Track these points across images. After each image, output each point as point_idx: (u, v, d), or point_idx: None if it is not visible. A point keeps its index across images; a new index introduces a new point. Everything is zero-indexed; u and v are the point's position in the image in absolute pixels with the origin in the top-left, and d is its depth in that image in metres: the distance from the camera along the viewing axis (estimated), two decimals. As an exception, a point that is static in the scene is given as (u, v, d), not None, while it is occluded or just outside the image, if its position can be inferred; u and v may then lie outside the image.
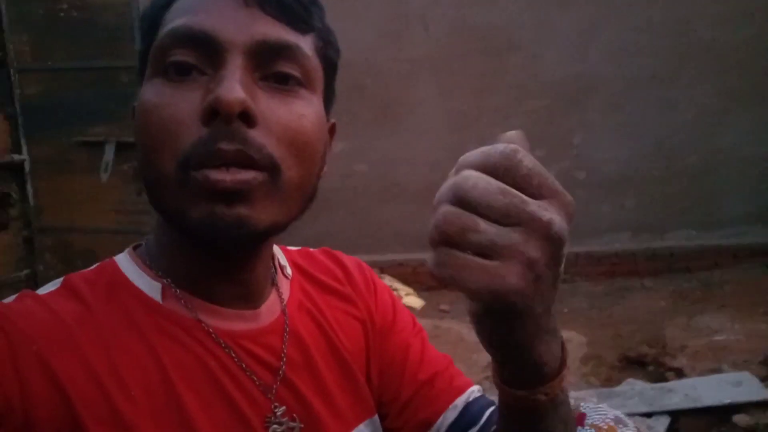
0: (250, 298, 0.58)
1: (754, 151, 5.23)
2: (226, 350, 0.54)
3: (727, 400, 2.68)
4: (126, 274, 0.55)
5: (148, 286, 0.54)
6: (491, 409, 0.67)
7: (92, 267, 0.57)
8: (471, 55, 4.86)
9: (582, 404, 1.67)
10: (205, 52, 0.49)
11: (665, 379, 3.20)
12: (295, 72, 0.52)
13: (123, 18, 3.78)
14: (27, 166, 4.01)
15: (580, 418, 1.60)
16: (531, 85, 4.95)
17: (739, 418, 2.60)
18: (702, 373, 3.12)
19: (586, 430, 1.57)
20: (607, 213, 5.23)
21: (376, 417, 0.65)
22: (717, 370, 3.10)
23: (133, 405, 0.47)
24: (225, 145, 0.47)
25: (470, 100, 4.93)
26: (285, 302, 0.62)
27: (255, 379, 0.55)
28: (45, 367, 0.46)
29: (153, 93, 0.50)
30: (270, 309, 0.60)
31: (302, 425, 0.56)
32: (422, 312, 4.40)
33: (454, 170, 0.42)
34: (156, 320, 0.53)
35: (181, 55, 0.49)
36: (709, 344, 3.60)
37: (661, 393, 2.83)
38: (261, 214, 0.49)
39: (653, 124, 5.13)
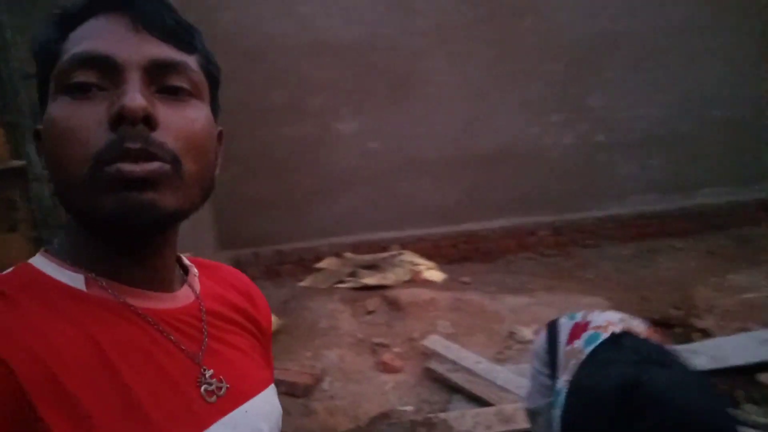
0: (164, 282, 0.65)
1: (788, 99, 5.00)
2: (154, 325, 0.60)
3: (753, 359, 2.62)
4: (44, 271, 0.60)
5: (70, 278, 0.59)
6: None
7: (6, 271, 0.61)
8: (481, 22, 4.76)
9: (589, 313, 1.70)
10: (106, 71, 0.57)
11: (692, 341, 3.13)
12: (185, 84, 0.60)
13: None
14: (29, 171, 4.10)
15: (585, 326, 1.63)
16: (545, 48, 4.82)
17: (765, 377, 2.53)
18: (730, 333, 3.05)
19: (589, 332, 1.60)
20: (631, 174, 5.09)
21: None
22: (745, 329, 3.02)
23: (74, 379, 0.51)
24: (131, 144, 0.54)
25: (483, 68, 4.84)
26: (198, 291, 0.70)
27: (183, 348, 0.61)
28: None
29: (60, 109, 0.57)
30: (185, 294, 0.68)
31: (228, 385, 0.63)
32: (444, 285, 4.41)
33: None
34: (83, 306, 0.57)
35: (83, 76, 0.56)
36: (740, 303, 3.50)
37: (685, 355, 2.77)
38: (168, 199, 0.56)
39: (679, 78, 4.95)
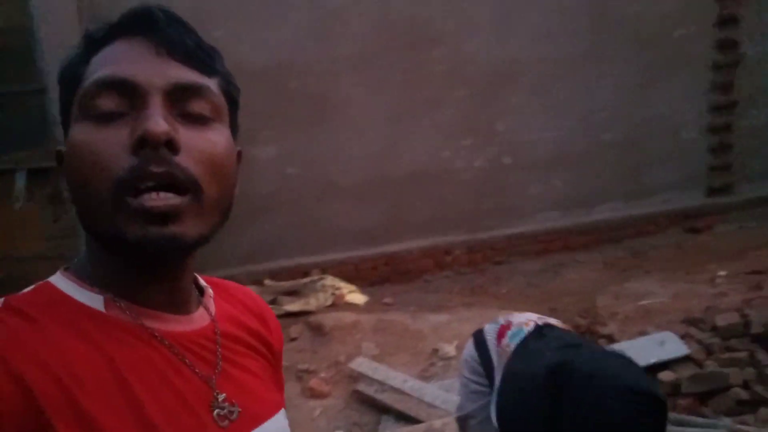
0: (181, 305, 0.66)
1: (673, 122, 5.56)
2: (170, 348, 0.61)
3: (652, 360, 2.87)
4: (65, 291, 0.60)
5: (90, 299, 0.60)
6: None
7: (27, 289, 0.61)
8: (395, 49, 4.94)
9: (510, 316, 1.84)
10: (128, 95, 0.57)
11: (598, 347, 3.38)
12: (206, 107, 0.61)
13: (23, 41, 3.62)
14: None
15: (508, 325, 1.78)
16: (455, 76, 5.07)
17: (664, 375, 2.79)
18: (631, 337, 3.32)
19: (513, 329, 1.74)
20: (537, 194, 5.43)
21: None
22: (644, 333, 3.30)
23: (92, 399, 0.52)
24: (155, 168, 0.55)
25: (398, 94, 5.01)
26: (213, 313, 0.70)
27: (197, 371, 0.62)
28: (10, 369, 0.50)
29: (84, 133, 0.57)
30: (201, 316, 0.68)
31: (240, 409, 0.64)
32: (367, 307, 4.46)
33: None
34: (102, 327, 0.58)
35: (106, 100, 0.57)
36: (637, 309, 3.82)
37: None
38: (189, 230, 0.57)
39: (577, 103, 5.36)
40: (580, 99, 5.34)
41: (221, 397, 0.62)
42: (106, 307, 0.60)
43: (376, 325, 4.00)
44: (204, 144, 0.59)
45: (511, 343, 1.71)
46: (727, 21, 5.39)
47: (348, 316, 4.09)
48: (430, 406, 2.89)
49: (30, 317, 0.55)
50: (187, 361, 0.62)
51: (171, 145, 0.56)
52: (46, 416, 0.50)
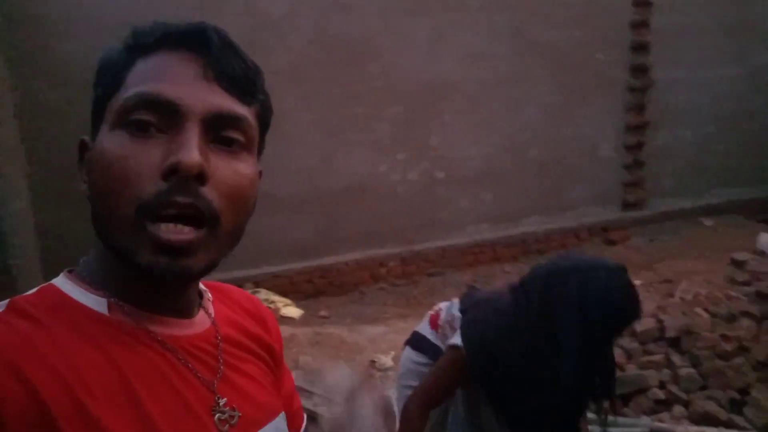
0: (184, 311, 0.66)
1: (591, 141, 5.92)
2: (173, 352, 0.61)
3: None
4: (69, 294, 0.60)
5: (94, 302, 0.60)
6: None
7: (32, 291, 0.60)
8: (331, 64, 4.97)
9: (430, 311, 1.93)
10: (167, 114, 0.57)
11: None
12: (240, 137, 0.61)
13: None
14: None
15: (438, 311, 1.88)
16: (390, 92, 5.17)
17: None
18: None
19: (443, 308, 1.87)
20: (468, 207, 5.62)
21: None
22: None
23: (97, 402, 0.52)
24: (181, 198, 0.55)
25: (334, 108, 5.04)
26: (213, 317, 0.71)
27: (199, 375, 0.63)
28: (17, 372, 0.50)
29: (116, 144, 0.57)
30: (202, 320, 0.69)
31: (240, 414, 0.64)
32: (302, 321, 4.44)
33: None
34: (106, 330, 0.58)
35: (144, 115, 0.57)
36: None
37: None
38: (200, 262, 0.58)
39: (503, 122, 5.60)
40: (506, 118, 5.59)
41: (222, 401, 0.63)
42: (109, 310, 0.60)
43: (312, 338, 3.98)
44: (231, 177, 0.59)
45: (449, 315, 1.79)
46: (639, 47, 5.82)
47: (284, 330, 4.02)
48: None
49: (36, 319, 0.55)
50: (190, 365, 0.62)
51: (201, 177, 0.56)
52: (53, 418, 0.50)
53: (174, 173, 0.55)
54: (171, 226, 0.56)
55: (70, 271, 0.64)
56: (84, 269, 0.64)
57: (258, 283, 4.82)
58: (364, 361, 3.72)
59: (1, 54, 3.87)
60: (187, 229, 0.56)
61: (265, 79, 0.67)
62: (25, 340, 0.53)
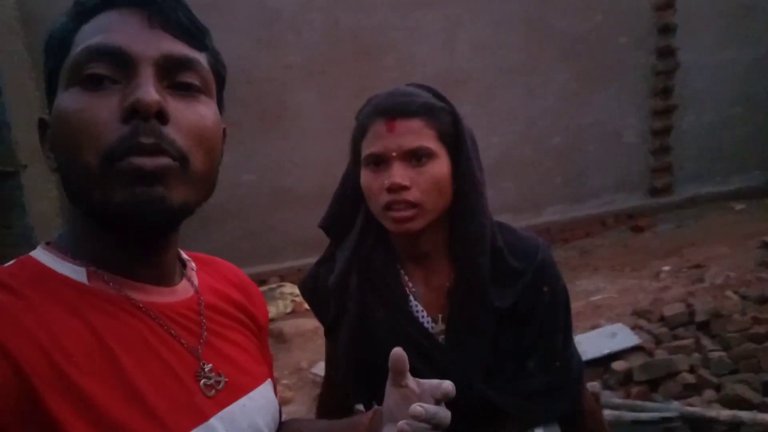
0: (164, 278, 0.66)
1: (611, 127, 5.80)
2: (155, 319, 0.61)
3: (605, 351, 2.98)
4: (47, 264, 0.60)
5: (72, 271, 0.59)
6: None
7: (9, 263, 0.60)
8: (346, 58, 4.97)
9: None
10: (119, 64, 0.56)
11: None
12: (195, 81, 0.61)
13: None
14: None
15: None
16: (406, 82, 5.13)
17: (617, 365, 2.91)
18: (584, 331, 3.44)
19: None
20: (489, 197, 5.53)
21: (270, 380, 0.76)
22: (596, 326, 3.43)
23: (78, 370, 0.52)
24: (144, 139, 0.55)
25: (350, 101, 4.99)
26: (196, 285, 0.71)
27: (182, 342, 0.62)
28: None
29: (72, 100, 0.56)
30: (184, 288, 0.69)
31: (227, 379, 0.64)
32: (326, 313, 4.45)
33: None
34: (86, 298, 0.58)
35: (96, 68, 0.56)
36: (588, 305, 3.96)
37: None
38: (175, 194, 0.57)
39: (522, 111, 5.52)
40: (525, 106, 5.51)
41: (207, 367, 0.63)
42: (89, 279, 0.59)
43: (336, 330, 3.99)
44: (192, 116, 0.59)
45: None
46: (664, 29, 5.69)
47: (308, 323, 4.07)
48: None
49: (14, 290, 0.55)
50: (172, 331, 0.62)
51: (161, 115, 0.56)
52: (35, 388, 0.49)
53: (134, 114, 0.55)
54: (144, 155, 0.55)
55: (47, 244, 0.63)
56: (62, 240, 0.63)
57: (283, 277, 4.85)
58: (388, 352, 3.71)
59: (26, 53, 3.96)
60: (159, 156, 0.55)
61: (212, 37, 0.67)
62: (3, 311, 0.52)
